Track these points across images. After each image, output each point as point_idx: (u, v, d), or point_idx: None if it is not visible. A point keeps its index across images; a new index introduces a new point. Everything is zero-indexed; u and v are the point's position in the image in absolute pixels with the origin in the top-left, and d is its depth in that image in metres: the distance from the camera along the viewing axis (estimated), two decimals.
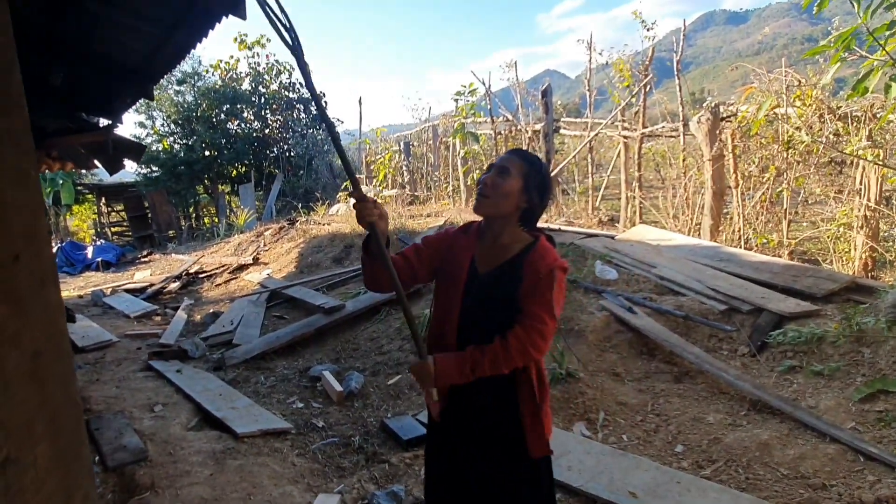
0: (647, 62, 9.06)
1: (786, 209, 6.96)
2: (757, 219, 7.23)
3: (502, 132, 11.36)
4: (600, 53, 10.14)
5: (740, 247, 6.85)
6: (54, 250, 15.49)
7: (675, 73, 8.58)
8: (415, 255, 2.06)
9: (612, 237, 7.38)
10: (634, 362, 4.59)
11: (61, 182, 19.95)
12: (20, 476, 1.30)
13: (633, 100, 9.32)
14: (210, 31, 4.36)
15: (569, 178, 11.35)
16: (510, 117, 11.18)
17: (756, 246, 6.86)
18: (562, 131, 10.57)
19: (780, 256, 6.47)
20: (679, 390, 4.21)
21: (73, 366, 1.26)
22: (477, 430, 2.01)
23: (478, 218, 2.03)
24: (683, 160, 8.46)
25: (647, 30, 9.42)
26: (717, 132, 7.15)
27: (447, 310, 1.99)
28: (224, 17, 3.95)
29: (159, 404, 4.48)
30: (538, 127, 10.40)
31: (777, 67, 7.08)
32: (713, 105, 7.34)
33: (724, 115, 7.38)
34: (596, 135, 9.40)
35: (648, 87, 9.03)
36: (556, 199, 9.58)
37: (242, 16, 3.60)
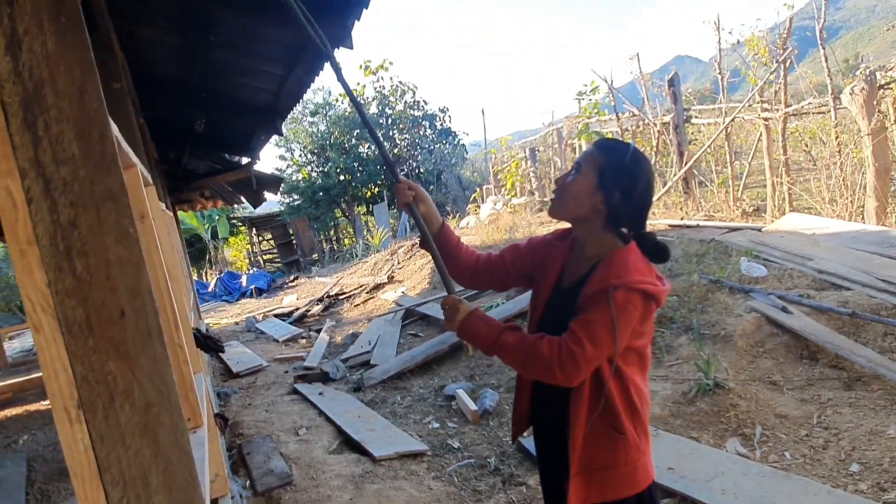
0: (784, 34, 8.28)
1: None
2: None
3: (629, 128, 10.88)
4: (730, 32, 9.42)
5: None
6: (214, 281, 16.88)
7: (819, 41, 7.78)
8: (510, 256, 1.94)
9: (759, 229, 6.77)
10: (793, 368, 4.13)
11: (217, 217, 21.77)
12: None
13: (772, 77, 8.54)
14: (325, 64, 4.52)
15: (706, 170, 10.62)
16: (636, 112, 10.69)
17: None
18: (693, 120, 9.92)
19: None
20: (850, 399, 3.72)
21: (183, 417, 1.28)
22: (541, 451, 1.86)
23: None
24: (837, 137, 7.62)
25: None
26: (876, 102, 6.36)
27: (530, 323, 1.85)
28: (335, 50, 4.08)
29: (303, 427, 4.65)
30: (667, 119, 9.85)
31: None
32: (868, 72, 6.55)
33: (883, 83, 6.56)
34: (732, 120, 8.70)
35: (789, 61, 8.24)
36: (692, 193, 8.98)
37: (350, 45, 3.67)
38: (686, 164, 9.08)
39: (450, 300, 1.75)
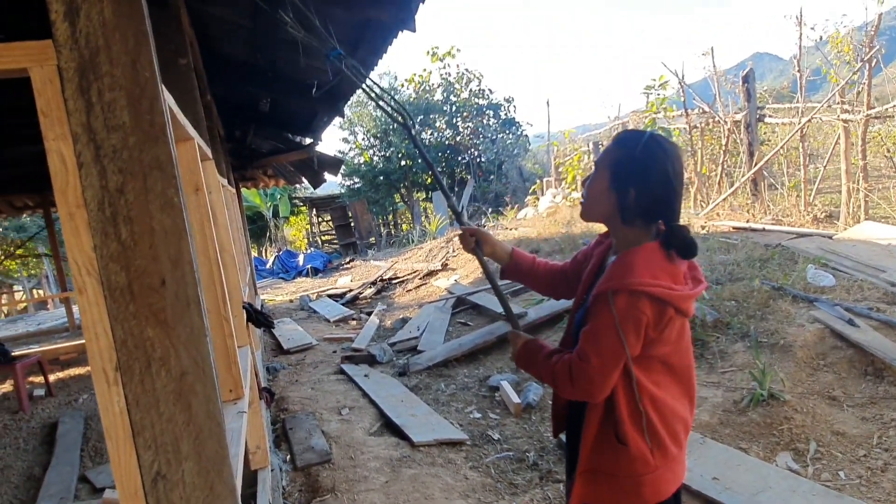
0: (872, 32, 7.82)
1: None
2: None
3: (698, 126, 10.53)
4: (812, 28, 8.95)
5: None
6: (272, 258, 17.28)
7: None
8: (571, 266, 1.94)
9: (830, 237, 6.46)
10: (856, 385, 3.92)
11: (279, 196, 22.26)
12: (169, 492, 1.36)
13: (856, 77, 8.10)
14: (388, 47, 4.52)
15: (777, 172, 10.18)
16: (707, 108, 10.33)
17: None
18: (767, 119, 9.51)
19: None
20: None
21: (216, 388, 1.29)
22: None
23: None
24: None
25: None
26: None
27: (566, 332, 1.83)
28: (399, 32, 4.07)
29: (346, 407, 4.70)
30: (739, 117, 9.49)
31: None
32: None
33: None
34: (809, 121, 8.29)
35: (875, 60, 7.79)
36: (760, 195, 8.63)
37: (412, 28, 3.66)
38: (756, 164, 8.73)
39: (512, 334, 1.85)
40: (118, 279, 1.33)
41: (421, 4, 3.45)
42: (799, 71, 8.85)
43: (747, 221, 7.48)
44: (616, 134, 1.67)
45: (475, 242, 1.95)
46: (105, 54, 1.30)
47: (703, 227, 7.55)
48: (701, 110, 10.47)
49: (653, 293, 1.44)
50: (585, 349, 1.50)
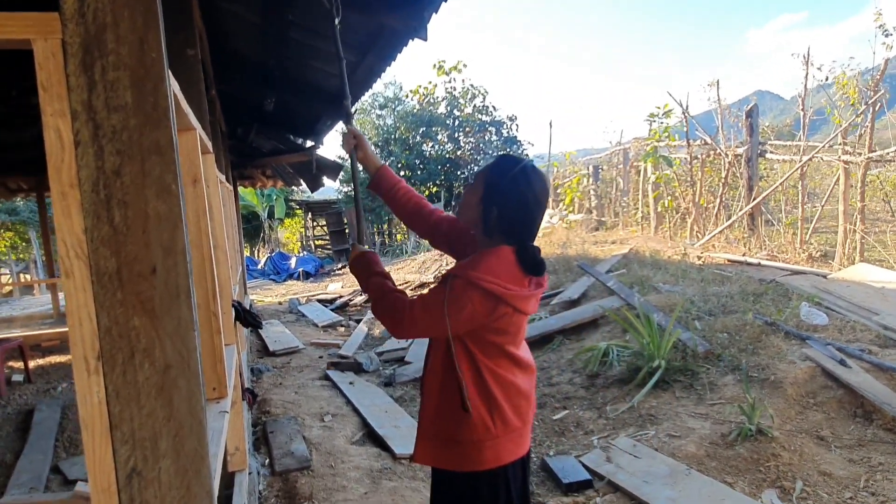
0: (878, 76, 7.88)
1: None
2: None
3: (699, 157, 10.56)
4: (819, 69, 9.01)
5: None
6: (264, 259, 17.18)
7: None
8: (453, 224, 2.12)
9: (824, 276, 6.45)
10: (845, 426, 3.88)
11: (276, 197, 22.20)
12: (144, 490, 1.31)
13: (859, 120, 8.14)
14: (397, 54, 4.50)
15: (774, 208, 10.21)
16: (709, 140, 10.37)
17: None
18: (768, 155, 9.54)
19: None
20: None
21: (199, 385, 1.24)
22: None
23: None
24: None
25: (886, 36, 8.16)
26: None
27: None
28: (410, 40, 4.04)
29: (329, 414, 4.63)
30: (740, 151, 9.52)
31: None
32: None
33: None
34: (810, 159, 8.32)
35: (878, 104, 7.84)
36: (757, 230, 8.65)
37: (424, 37, 3.64)
38: (755, 199, 8.75)
39: (353, 246, 2.05)
40: (107, 264, 1.28)
41: (434, 14, 3.44)
42: (803, 110, 8.89)
43: (744, 255, 7.47)
44: (499, 154, 1.94)
45: (354, 146, 2.17)
46: (112, 31, 1.26)
47: (699, 258, 7.53)
48: (703, 141, 10.51)
49: (486, 287, 1.63)
50: (417, 300, 1.74)
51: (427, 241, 2.28)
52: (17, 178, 9.45)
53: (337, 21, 2.27)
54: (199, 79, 3.21)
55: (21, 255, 22.43)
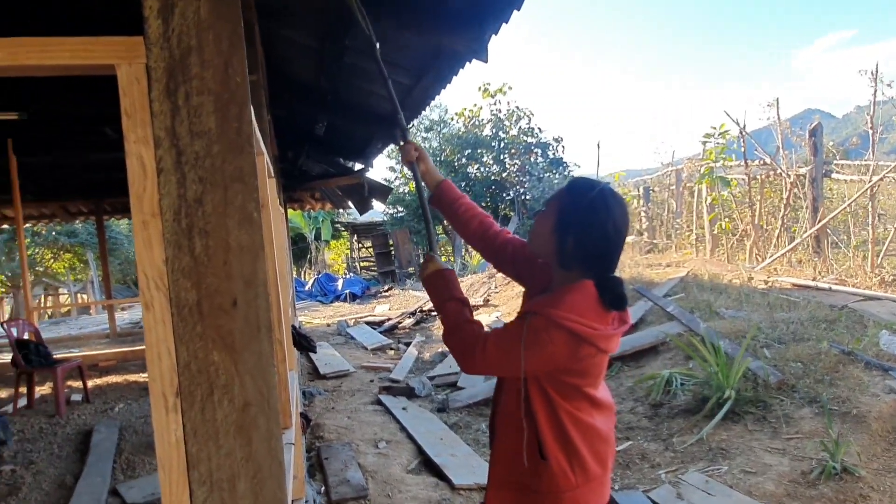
0: None
1: None
2: None
3: (757, 177, 10.24)
4: (889, 85, 8.64)
5: None
6: (311, 281, 17.33)
7: None
8: (521, 247, 2.01)
9: None
10: None
11: (322, 220, 22.47)
12: None
13: None
14: (454, 77, 4.45)
15: (840, 230, 9.78)
16: (768, 160, 10.04)
17: None
18: (834, 175, 9.17)
19: None
20: None
21: (279, 422, 1.16)
22: None
23: None
24: None
25: None
26: None
27: None
28: (468, 63, 3.99)
29: (383, 441, 4.54)
30: (803, 171, 9.18)
31: None
32: None
33: None
34: (881, 179, 7.93)
35: None
36: (823, 253, 8.29)
37: (484, 59, 3.57)
38: (820, 220, 8.41)
39: (428, 255, 1.92)
40: (188, 296, 1.23)
41: (494, 36, 3.37)
42: (871, 127, 8.53)
43: (813, 279, 7.13)
44: (571, 179, 1.76)
45: (416, 157, 2.05)
46: (197, 55, 1.22)
47: (765, 282, 7.23)
48: (762, 161, 10.19)
49: (570, 328, 1.48)
50: (492, 336, 1.59)
51: (491, 265, 2.14)
52: (78, 202, 9.75)
53: (378, 46, 2.20)
54: (262, 103, 3.22)
55: (79, 276, 23.14)
